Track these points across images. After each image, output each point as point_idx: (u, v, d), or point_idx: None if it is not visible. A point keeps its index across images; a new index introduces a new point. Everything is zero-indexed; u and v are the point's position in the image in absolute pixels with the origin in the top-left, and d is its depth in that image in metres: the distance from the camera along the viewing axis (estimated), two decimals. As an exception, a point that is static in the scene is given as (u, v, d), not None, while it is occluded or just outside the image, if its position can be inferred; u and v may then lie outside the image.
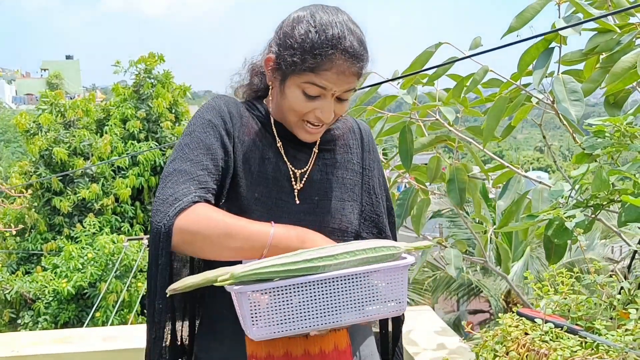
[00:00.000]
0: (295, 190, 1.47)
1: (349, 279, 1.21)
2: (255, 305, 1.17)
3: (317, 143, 1.53)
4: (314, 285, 1.19)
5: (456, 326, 13.33)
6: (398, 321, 1.64)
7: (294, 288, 1.18)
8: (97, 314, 10.56)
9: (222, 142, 1.40)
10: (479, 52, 1.99)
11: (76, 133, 12.98)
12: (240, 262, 1.27)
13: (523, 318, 1.28)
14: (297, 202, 1.45)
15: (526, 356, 1.17)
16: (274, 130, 1.49)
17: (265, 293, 1.17)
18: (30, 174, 12.70)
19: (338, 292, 1.21)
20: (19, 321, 11.29)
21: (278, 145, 1.48)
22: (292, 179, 1.47)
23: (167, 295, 1.23)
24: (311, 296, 1.19)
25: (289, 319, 1.19)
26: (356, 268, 1.22)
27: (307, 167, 1.50)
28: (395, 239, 1.62)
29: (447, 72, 2.22)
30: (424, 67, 2.20)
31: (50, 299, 11.13)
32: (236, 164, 1.42)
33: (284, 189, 1.45)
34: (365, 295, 1.23)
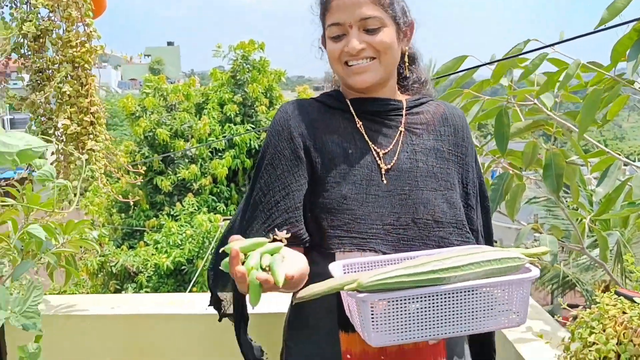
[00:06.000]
0: (383, 170, 1.44)
1: (472, 292, 1.18)
2: (376, 312, 1.16)
3: (403, 122, 1.49)
4: (438, 296, 1.16)
5: (549, 320, 12.91)
6: None
7: (417, 299, 1.16)
8: (194, 289, 11.05)
9: (296, 162, 1.43)
10: (570, 38, 1.95)
11: (177, 116, 13.60)
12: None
13: (621, 297, 1.28)
14: (384, 182, 1.42)
15: (623, 334, 1.19)
16: (351, 108, 1.49)
17: (385, 300, 1.16)
18: (135, 153, 13.42)
19: (460, 303, 1.18)
20: (122, 292, 12.03)
21: (358, 125, 1.47)
22: (378, 160, 1.44)
23: (294, 304, 1.27)
24: (433, 307, 1.17)
25: (409, 327, 1.17)
26: (481, 280, 1.18)
27: (391, 146, 1.46)
28: (489, 226, 1.59)
29: (538, 68, 2.18)
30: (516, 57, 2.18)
31: (152, 273, 11.78)
32: (318, 169, 1.44)
33: (372, 182, 1.42)
34: (486, 307, 1.19)
